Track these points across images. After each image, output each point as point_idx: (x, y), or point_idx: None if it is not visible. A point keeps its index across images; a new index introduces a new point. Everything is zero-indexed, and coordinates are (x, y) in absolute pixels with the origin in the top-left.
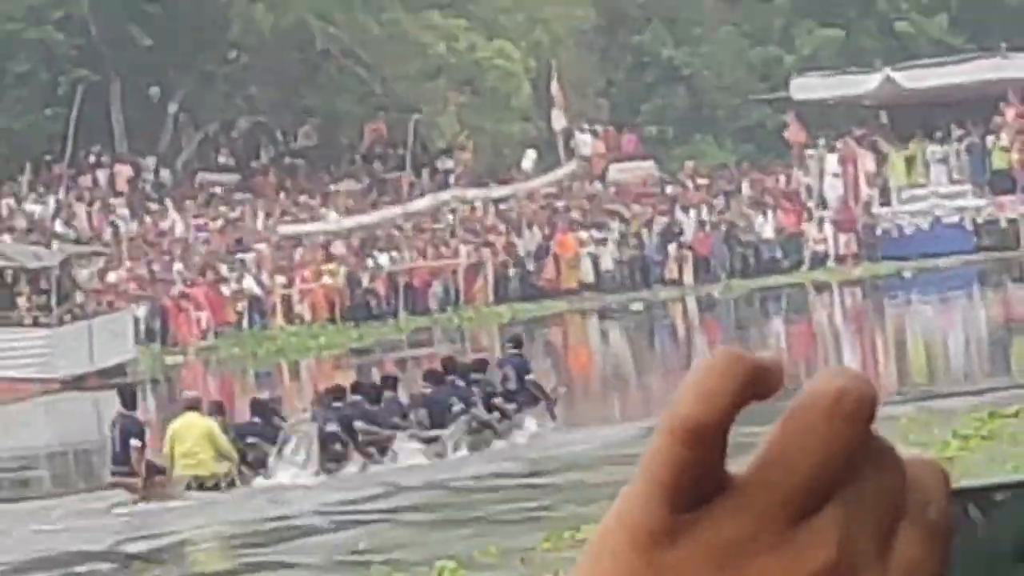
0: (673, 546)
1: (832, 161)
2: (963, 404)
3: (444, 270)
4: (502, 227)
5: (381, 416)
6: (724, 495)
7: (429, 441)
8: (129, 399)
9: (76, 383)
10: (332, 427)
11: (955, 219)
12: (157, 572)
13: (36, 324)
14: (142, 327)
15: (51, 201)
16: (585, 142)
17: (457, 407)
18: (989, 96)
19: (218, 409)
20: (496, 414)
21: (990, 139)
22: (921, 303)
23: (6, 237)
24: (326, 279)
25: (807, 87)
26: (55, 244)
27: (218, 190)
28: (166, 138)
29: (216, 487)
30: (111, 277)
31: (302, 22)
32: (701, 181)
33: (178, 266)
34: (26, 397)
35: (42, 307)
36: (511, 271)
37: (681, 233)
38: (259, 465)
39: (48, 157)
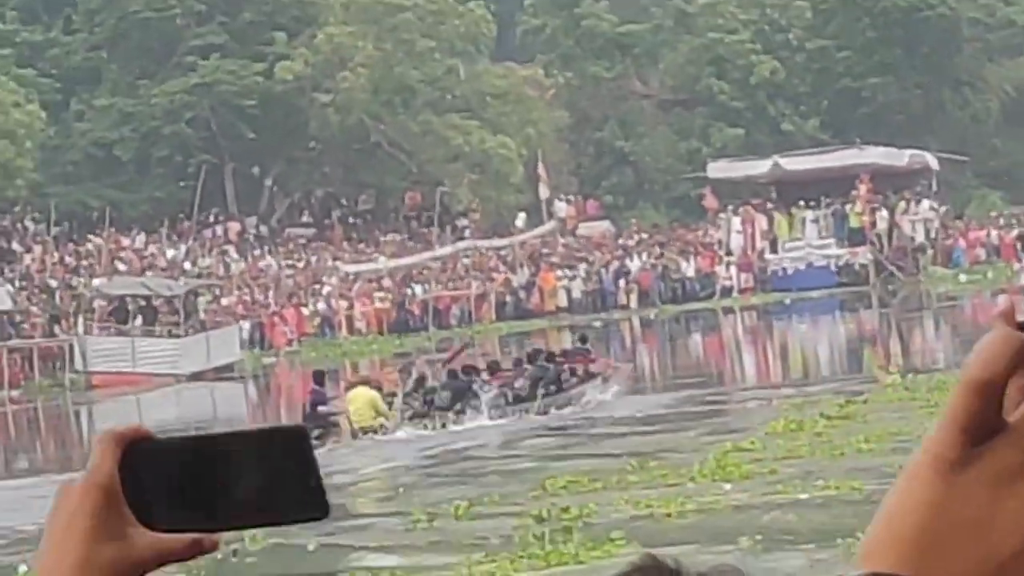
0: (964, 471)
1: (736, 222)
2: (828, 393)
3: (460, 298)
4: (502, 267)
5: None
6: (1002, 434)
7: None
8: (319, 378)
9: (196, 377)
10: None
11: (823, 263)
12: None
13: (169, 335)
14: (246, 337)
15: (182, 248)
16: (561, 207)
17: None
18: (848, 176)
19: (377, 387)
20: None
21: (848, 207)
22: (798, 322)
23: (149, 273)
24: (377, 303)
25: (719, 169)
26: (182, 279)
27: (301, 240)
28: (264, 203)
29: (374, 433)
30: (224, 302)
31: (360, 121)
32: (643, 236)
33: (271, 294)
34: (161, 387)
35: (173, 323)
36: (508, 298)
37: (629, 272)
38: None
39: (181, 216)
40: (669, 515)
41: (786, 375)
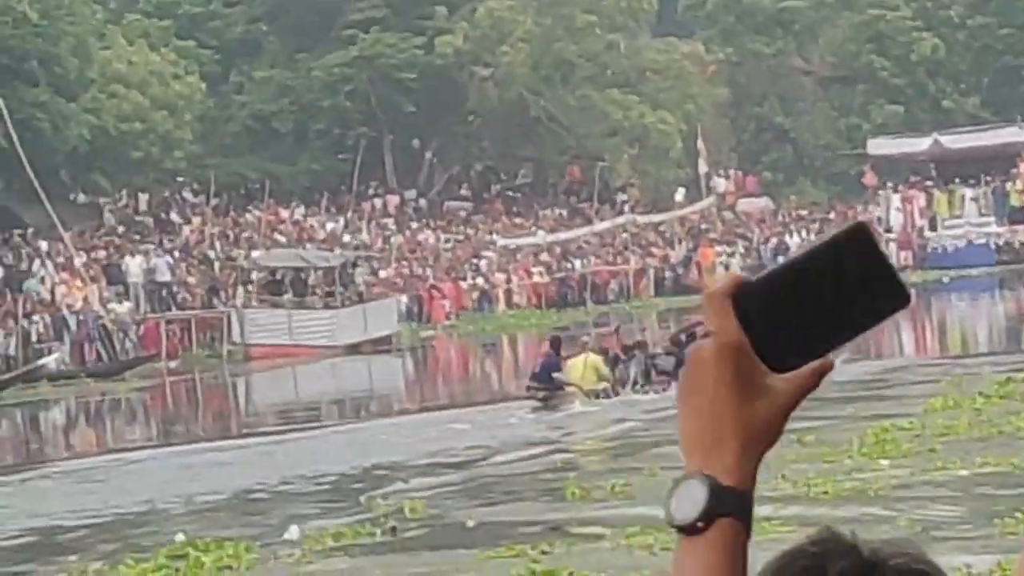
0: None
1: (896, 199)
2: (986, 371)
3: (619, 273)
4: (660, 243)
5: None
6: None
7: None
8: (556, 345)
9: (353, 350)
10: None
11: (982, 241)
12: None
13: (325, 307)
14: (404, 310)
15: (340, 220)
16: (720, 183)
17: None
18: (1009, 154)
19: (603, 352)
20: None
21: (1008, 185)
22: (957, 300)
23: (308, 245)
24: (536, 278)
25: (879, 146)
26: (339, 251)
27: (460, 214)
28: (423, 176)
29: (597, 397)
30: (381, 275)
31: (520, 96)
32: (802, 212)
33: (429, 268)
34: (317, 359)
35: (330, 296)
36: (666, 274)
37: (788, 249)
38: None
39: (339, 188)
40: (826, 493)
41: (944, 353)
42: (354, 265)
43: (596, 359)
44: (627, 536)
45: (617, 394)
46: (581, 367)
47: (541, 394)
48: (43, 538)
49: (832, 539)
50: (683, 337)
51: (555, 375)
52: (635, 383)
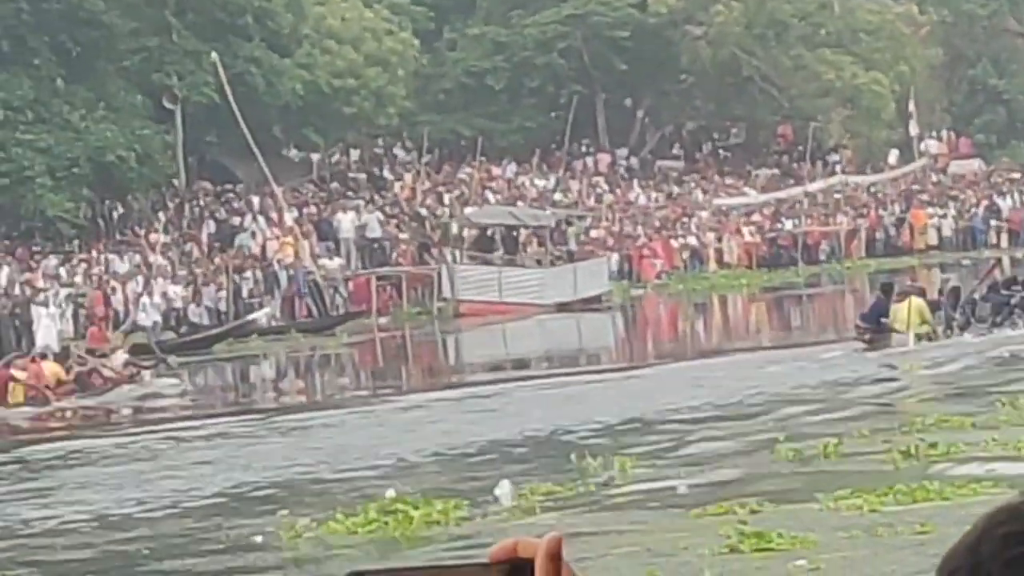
0: None
1: None
2: None
3: (830, 233)
4: (872, 203)
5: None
6: None
7: None
8: (887, 289)
9: (563, 308)
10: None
11: None
12: None
13: (537, 265)
14: (614, 269)
15: (552, 178)
16: (932, 145)
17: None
18: None
19: (922, 294)
20: None
21: None
22: None
23: (520, 203)
24: (747, 237)
25: None
26: (551, 210)
27: (671, 173)
28: (635, 135)
29: (922, 340)
30: (592, 233)
31: (733, 55)
32: (1014, 175)
33: (640, 227)
34: (527, 316)
35: (541, 254)
36: (878, 235)
37: (999, 212)
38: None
39: (551, 146)
40: None
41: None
42: (568, 223)
43: (921, 303)
44: (836, 499)
45: (940, 337)
46: (908, 310)
47: (868, 336)
48: (252, 490)
49: None
50: (1000, 283)
51: (882, 319)
52: (955, 328)
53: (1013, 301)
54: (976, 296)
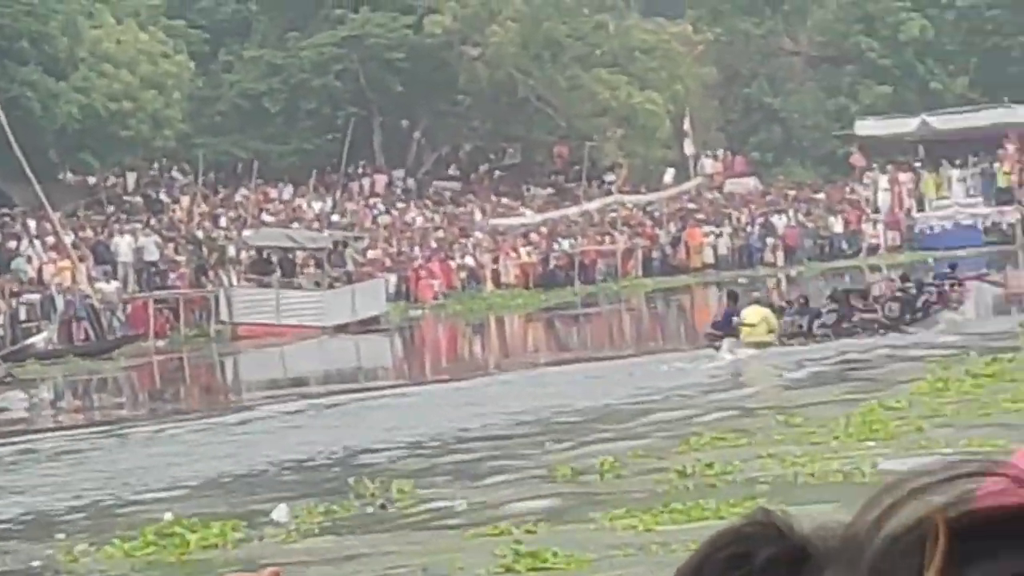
0: None
1: (884, 180)
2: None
3: (607, 253)
4: (648, 223)
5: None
6: None
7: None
8: (732, 297)
9: (340, 329)
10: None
11: (970, 222)
12: None
13: (315, 287)
14: (392, 290)
15: (329, 200)
16: (708, 164)
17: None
18: (996, 135)
19: (769, 305)
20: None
21: (996, 166)
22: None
23: (296, 224)
24: (524, 257)
25: (867, 127)
26: (328, 231)
27: (448, 194)
28: (412, 156)
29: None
30: (370, 255)
31: (509, 76)
32: (790, 193)
33: (418, 247)
34: (305, 339)
35: (318, 275)
36: (654, 254)
37: (775, 229)
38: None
39: (328, 168)
40: (812, 474)
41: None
42: (344, 245)
43: (766, 312)
44: (611, 518)
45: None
46: (754, 317)
47: (718, 342)
48: (25, 514)
49: (766, 522)
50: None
51: (734, 319)
52: (796, 336)
53: (855, 315)
54: (823, 308)
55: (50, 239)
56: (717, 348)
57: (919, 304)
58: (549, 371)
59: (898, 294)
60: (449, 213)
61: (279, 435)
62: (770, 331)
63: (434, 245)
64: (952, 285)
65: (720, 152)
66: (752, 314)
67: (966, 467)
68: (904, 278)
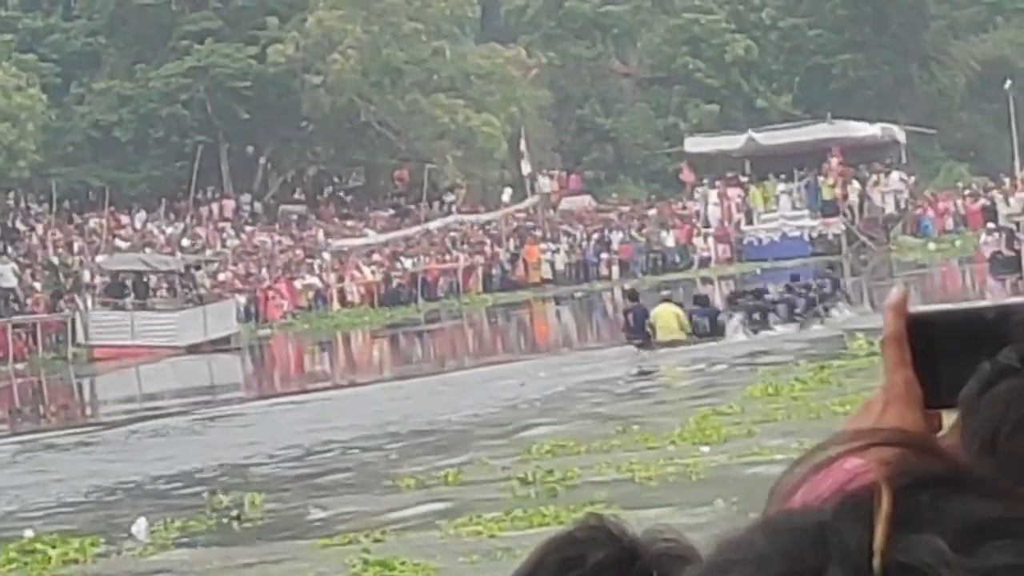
0: None
1: (713, 195)
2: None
3: (448, 271)
4: (488, 240)
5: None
6: None
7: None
8: (633, 296)
9: (193, 349)
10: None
11: (797, 234)
12: None
13: (167, 310)
14: (242, 311)
15: (179, 225)
16: (545, 183)
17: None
18: (820, 149)
19: (679, 305)
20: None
21: (820, 179)
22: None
23: (148, 249)
24: (368, 276)
25: (695, 144)
26: (179, 255)
27: (294, 217)
28: (258, 181)
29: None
30: (220, 277)
31: (351, 102)
32: (624, 209)
33: (266, 269)
34: (158, 359)
35: (171, 298)
36: (494, 271)
37: (610, 244)
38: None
39: (178, 194)
40: (649, 478)
41: (764, 341)
42: (197, 268)
43: (676, 310)
44: (456, 526)
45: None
46: (665, 316)
47: (638, 340)
48: None
49: (597, 527)
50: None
51: (644, 319)
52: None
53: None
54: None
55: None
56: (639, 347)
57: (806, 302)
58: (395, 384)
59: (786, 295)
60: (295, 235)
61: (136, 452)
62: (682, 329)
63: (281, 266)
64: (833, 285)
65: (555, 171)
66: (664, 313)
67: (877, 436)
68: (794, 278)
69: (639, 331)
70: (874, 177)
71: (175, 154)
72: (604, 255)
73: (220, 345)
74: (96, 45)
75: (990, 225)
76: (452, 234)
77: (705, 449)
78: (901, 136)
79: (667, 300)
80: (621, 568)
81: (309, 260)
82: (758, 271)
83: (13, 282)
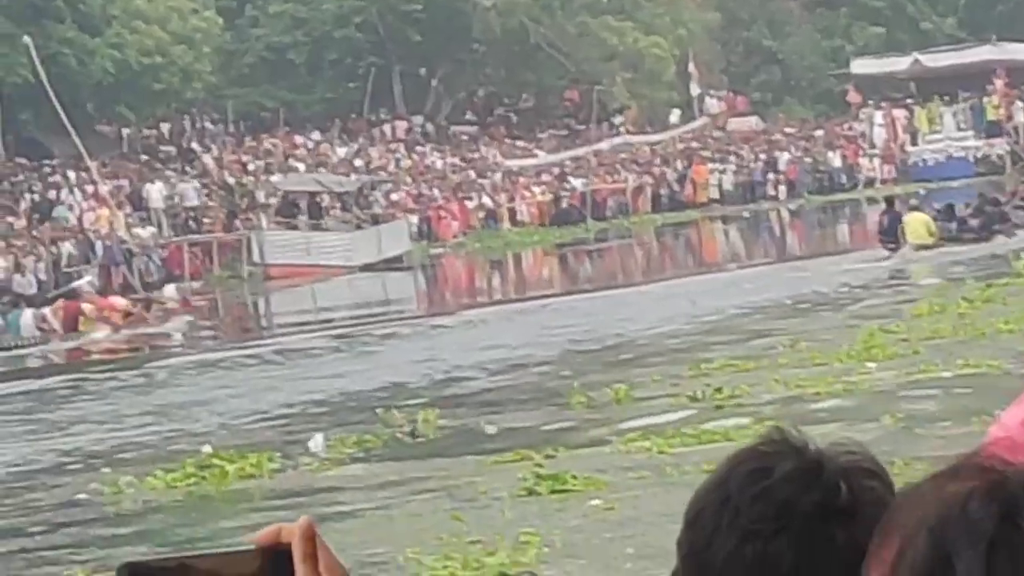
0: None
1: (879, 116)
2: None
3: (617, 191)
4: (656, 161)
5: None
6: None
7: None
8: (889, 202)
9: (367, 268)
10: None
11: (961, 155)
12: None
13: (341, 229)
14: (414, 230)
15: (353, 146)
16: (712, 104)
17: None
18: (984, 71)
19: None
20: None
21: (985, 100)
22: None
23: (321, 170)
24: (538, 196)
25: (862, 66)
26: (353, 176)
27: (465, 138)
28: (430, 102)
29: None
30: (393, 197)
31: (522, 24)
32: (790, 130)
33: (437, 189)
34: (334, 277)
35: (345, 218)
36: (662, 191)
37: (777, 165)
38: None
39: (352, 116)
40: (818, 394)
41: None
42: (371, 188)
43: (925, 217)
44: (627, 441)
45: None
46: (915, 223)
47: (892, 245)
48: (73, 450)
49: (781, 440)
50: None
51: (900, 226)
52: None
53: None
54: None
55: (89, 188)
56: (892, 250)
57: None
58: (566, 302)
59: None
60: (466, 156)
61: (312, 369)
62: (931, 235)
63: (453, 187)
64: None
65: (723, 92)
66: (914, 221)
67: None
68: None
69: (891, 235)
70: None
71: (348, 76)
72: (771, 175)
73: (393, 264)
74: None
75: None
76: (621, 155)
77: (871, 366)
78: None
79: (916, 209)
80: (808, 479)
81: (480, 180)
82: (922, 191)
83: (195, 201)
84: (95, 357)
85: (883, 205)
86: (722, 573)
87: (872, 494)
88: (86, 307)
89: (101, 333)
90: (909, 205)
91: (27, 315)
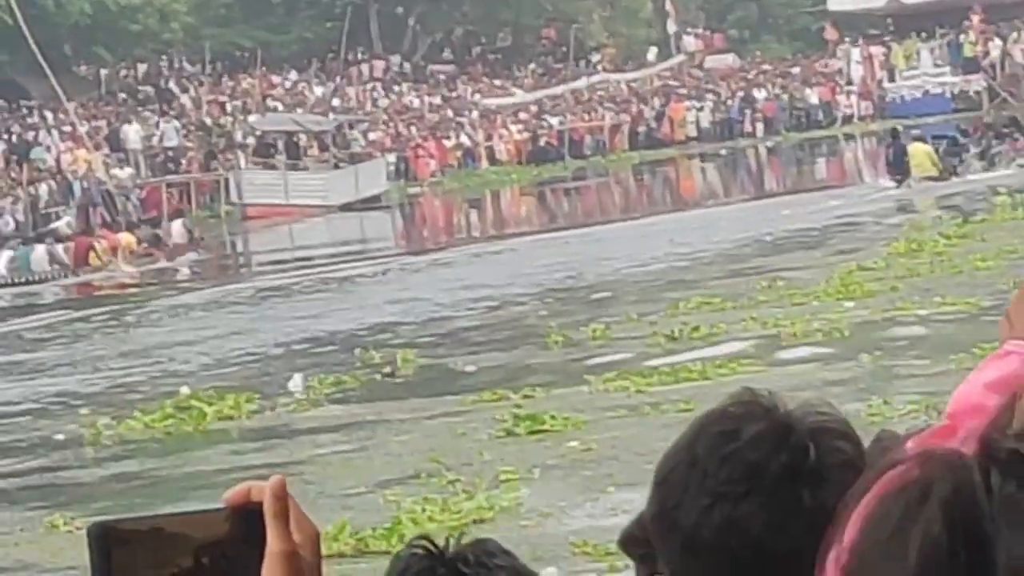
0: None
1: (856, 53)
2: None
3: (595, 128)
4: (633, 99)
5: None
6: None
7: None
8: (895, 135)
9: (345, 208)
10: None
11: (939, 91)
12: None
13: (318, 169)
14: (392, 169)
15: (330, 85)
16: (689, 42)
17: None
18: (961, 8)
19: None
20: None
21: (962, 37)
22: None
23: (299, 109)
24: (516, 135)
25: (839, 3)
26: (331, 115)
27: (442, 77)
28: (407, 41)
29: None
30: (370, 136)
31: None
32: (767, 67)
33: (415, 129)
34: (311, 217)
35: (323, 157)
36: (640, 129)
37: (754, 102)
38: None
39: (329, 55)
40: (795, 334)
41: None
42: (348, 127)
43: (928, 148)
44: (604, 381)
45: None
46: (919, 155)
47: (898, 176)
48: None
49: (750, 402)
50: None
51: (906, 158)
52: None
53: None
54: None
55: (66, 129)
56: (898, 182)
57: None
58: (543, 239)
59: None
60: (444, 95)
61: (289, 309)
62: (934, 165)
63: (430, 126)
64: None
65: (700, 30)
66: (918, 152)
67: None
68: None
69: (899, 167)
70: (1015, 34)
71: (325, 15)
72: (748, 113)
73: (371, 204)
74: None
75: None
76: (598, 93)
77: (849, 304)
78: None
79: (919, 139)
80: (776, 442)
81: (458, 119)
82: (900, 128)
83: (176, 141)
84: (103, 294)
85: (860, 141)
86: (691, 534)
87: (841, 456)
88: (97, 244)
89: (120, 269)
90: (912, 135)
91: (39, 250)
